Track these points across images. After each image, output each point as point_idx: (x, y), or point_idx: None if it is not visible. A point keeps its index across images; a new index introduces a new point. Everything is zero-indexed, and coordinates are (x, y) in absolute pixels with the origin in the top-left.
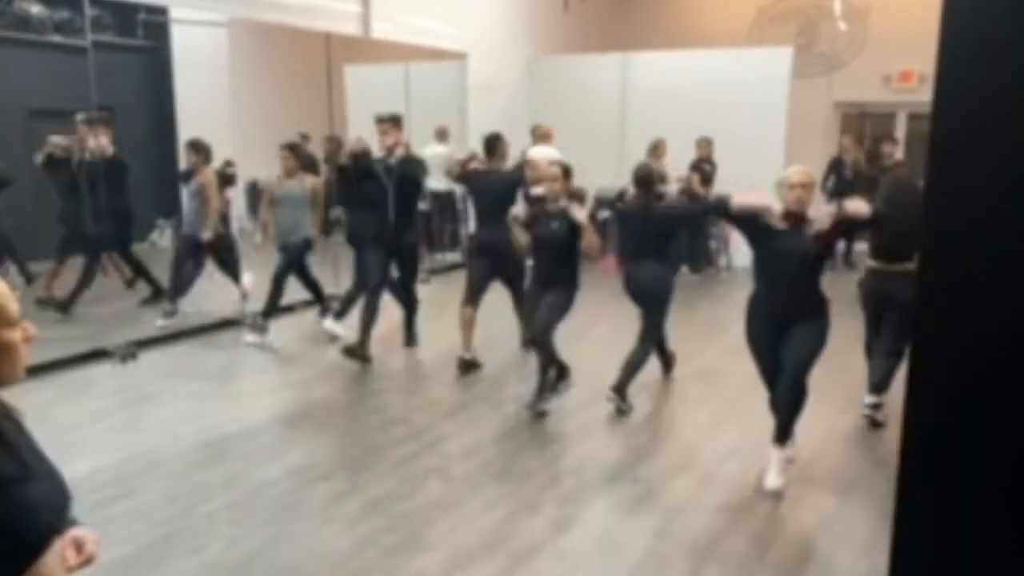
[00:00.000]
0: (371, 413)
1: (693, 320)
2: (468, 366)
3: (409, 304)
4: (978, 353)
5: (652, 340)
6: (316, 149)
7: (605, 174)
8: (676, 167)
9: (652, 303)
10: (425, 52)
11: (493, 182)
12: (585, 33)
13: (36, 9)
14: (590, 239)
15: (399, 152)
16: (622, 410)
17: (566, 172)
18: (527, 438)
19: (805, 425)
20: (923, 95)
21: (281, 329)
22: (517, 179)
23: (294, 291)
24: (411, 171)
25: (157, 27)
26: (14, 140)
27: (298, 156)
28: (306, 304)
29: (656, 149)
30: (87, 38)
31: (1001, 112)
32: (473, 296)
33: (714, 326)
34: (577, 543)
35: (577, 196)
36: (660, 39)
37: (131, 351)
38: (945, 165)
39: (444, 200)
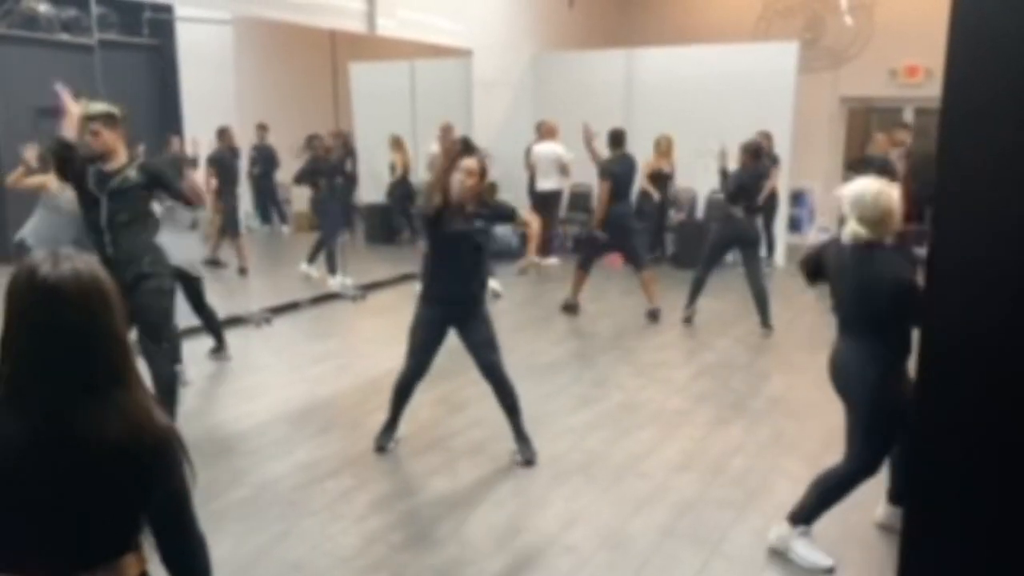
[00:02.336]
0: (377, 410)
1: (699, 315)
2: (570, 308)
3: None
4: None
5: (760, 269)
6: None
7: None
8: (682, 164)
9: (746, 239)
10: (430, 49)
11: (625, 167)
12: (590, 29)
13: (43, 7)
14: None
15: (121, 160)
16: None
17: (483, 172)
18: (533, 434)
19: (812, 420)
20: (929, 90)
21: (287, 325)
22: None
23: (304, 288)
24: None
25: (162, 25)
26: (22, 138)
27: None
28: (313, 301)
29: (660, 146)
30: (94, 36)
31: (1011, 105)
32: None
33: (719, 320)
34: (585, 539)
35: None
36: (665, 34)
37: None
38: (955, 159)
39: (550, 200)
